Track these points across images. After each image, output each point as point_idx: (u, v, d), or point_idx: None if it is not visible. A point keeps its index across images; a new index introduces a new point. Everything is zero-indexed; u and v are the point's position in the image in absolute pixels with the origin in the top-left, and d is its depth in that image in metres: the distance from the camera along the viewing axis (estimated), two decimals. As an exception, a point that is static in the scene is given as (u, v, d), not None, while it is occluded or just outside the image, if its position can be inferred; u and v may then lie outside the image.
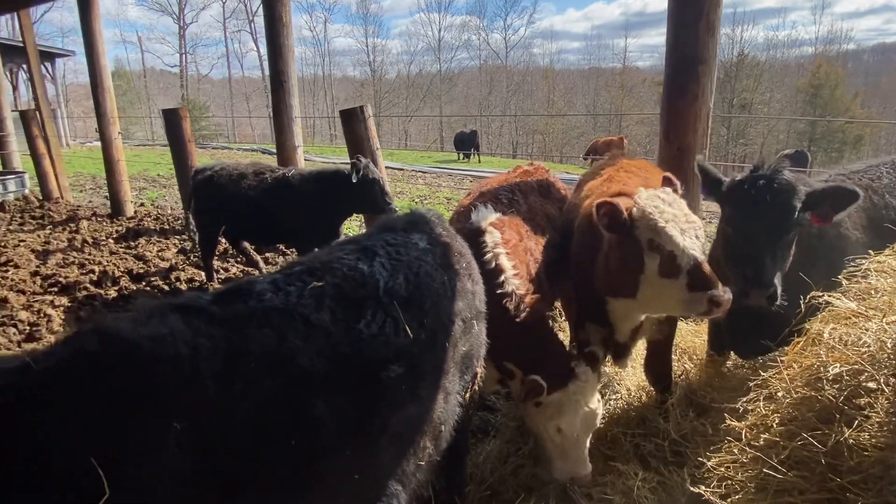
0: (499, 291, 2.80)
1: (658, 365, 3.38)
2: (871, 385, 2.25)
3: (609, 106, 48.13)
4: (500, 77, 57.72)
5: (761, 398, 2.56)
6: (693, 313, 2.67)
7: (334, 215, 5.98)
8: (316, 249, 5.95)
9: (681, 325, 4.60)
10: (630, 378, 3.65)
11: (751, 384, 2.86)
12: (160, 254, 8.17)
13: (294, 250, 7.49)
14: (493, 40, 62.79)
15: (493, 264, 2.89)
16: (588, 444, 2.86)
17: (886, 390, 2.21)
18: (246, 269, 7.54)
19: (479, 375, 2.50)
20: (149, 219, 10.55)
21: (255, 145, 32.37)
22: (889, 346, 2.30)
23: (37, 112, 12.59)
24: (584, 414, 2.77)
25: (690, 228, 2.57)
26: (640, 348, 3.57)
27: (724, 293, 2.48)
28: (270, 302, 1.75)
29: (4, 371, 1.39)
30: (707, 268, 2.52)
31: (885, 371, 2.26)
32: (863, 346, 2.37)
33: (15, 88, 29.96)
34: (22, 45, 20.70)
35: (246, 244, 7.28)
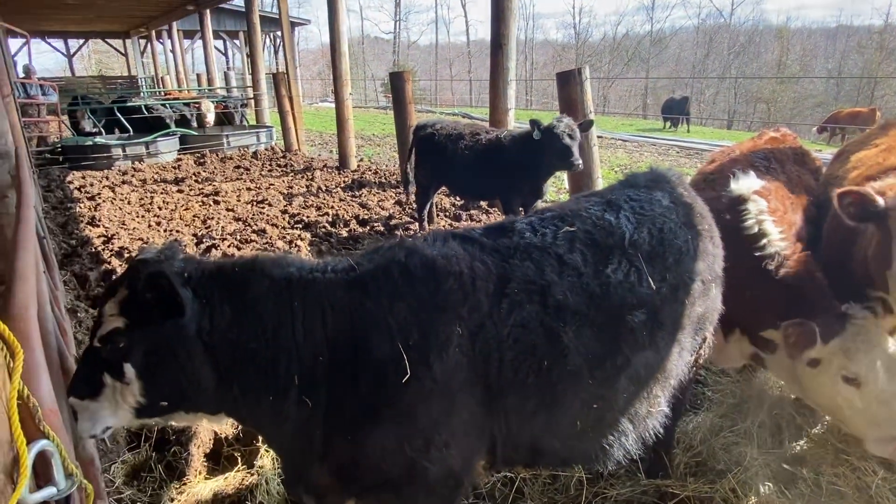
0: (759, 254, 2.64)
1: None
2: None
3: (860, 71, 40.40)
4: (720, 38, 51.70)
5: None
6: None
7: (535, 173, 6.14)
8: (521, 206, 6.27)
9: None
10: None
11: None
12: (380, 203, 9.16)
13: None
14: (716, -4, 56.42)
15: (756, 229, 2.71)
16: None
17: None
18: (452, 222, 8.12)
19: (707, 341, 2.48)
20: (369, 172, 11.80)
21: (455, 109, 33.79)
22: None
23: (285, 75, 14.74)
24: (884, 355, 2.29)
25: None
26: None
27: None
28: (530, 240, 1.98)
29: (336, 269, 1.81)
30: None
31: None
32: None
33: (259, 54, 35.16)
34: (274, 15, 24.05)
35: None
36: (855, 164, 3.02)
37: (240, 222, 8.24)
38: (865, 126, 14.76)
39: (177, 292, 1.63)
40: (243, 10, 16.61)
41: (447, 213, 8.50)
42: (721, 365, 3.08)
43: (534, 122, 5.75)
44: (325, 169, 12.40)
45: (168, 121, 14.84)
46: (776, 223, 2.75)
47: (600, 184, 6.07)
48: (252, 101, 17.65)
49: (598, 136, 20.72)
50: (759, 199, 2.83)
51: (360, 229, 7.87)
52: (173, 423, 2.16)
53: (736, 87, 44.43)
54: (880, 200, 2.35)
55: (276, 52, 35.16)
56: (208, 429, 3.26)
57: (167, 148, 13.71)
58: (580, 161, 5.57)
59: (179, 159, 13.60)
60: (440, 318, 1.74)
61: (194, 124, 15.64)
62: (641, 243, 2.08)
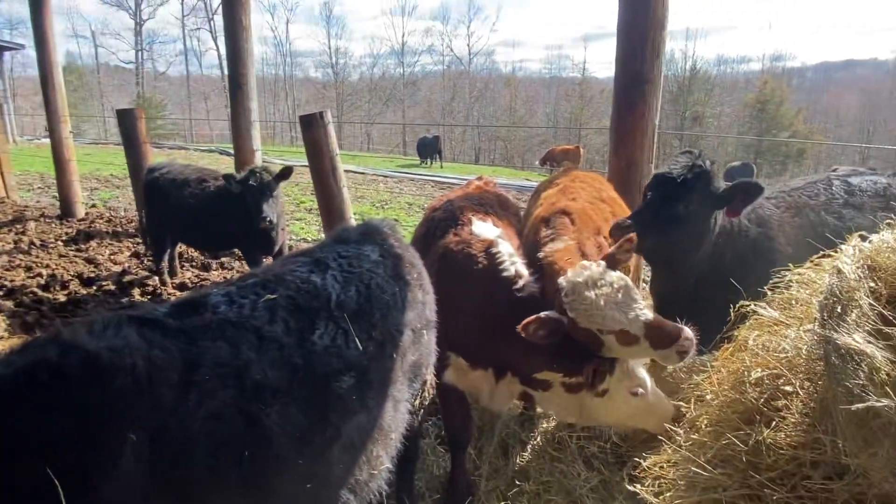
0: (520, 295, 2.77)
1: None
2: (788, 388, 2.45)
3: (568, 115, 49.32)
4: (462, 83, 58.23)
5: (692, 401, 2.75)
6: None
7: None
8: (261, 255, 5.88)
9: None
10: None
11: (684, 388, 3.06)
12: (112, 257, 7.97)
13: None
14: (456, 46, 63.45)
15: (513, 271, 2.84)
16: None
17: (801, 393, 2.41)
18: (200, 273, 7.44)
19: (428, 383, 2.59)
20: (101, 220, 10.25)
21: (212, 146, 31.68)
22: (804, 352, 2.50)
23: (-18, 108, 12.14)
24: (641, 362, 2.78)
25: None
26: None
27: None
28: (224, 314, 1.81)
29: None
30: None
31: (801, 375, 2.46)
32: (782, 353, 2.57)
33: (-46, 83, 28.63)
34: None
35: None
36: (542, 201, 3.53)
37: None
38: (573, 160, 17.79)
39: None
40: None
41: (194, 263, 7.77)
42: (494, 407, 3.17)
43: (227, 176, 5.56)
44: (42, 219, 10.42)
45: None
46: (526, 265, 2.92)
47: (353, 223, 6.15)
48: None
49: (361, 174, 21.25)
50: (503, 241, 2.99)
51: (84, 291, 6.71)
52: None
53: (479, 128, 50.33)
54: (563, 318, 2.60)
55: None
56: None
57: None
58: (270, 216, 5.51)
59: None
60: (106, 427, 1.46)
61: None
62: (348, 303, 2.07)
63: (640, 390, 2.77)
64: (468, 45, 62.25)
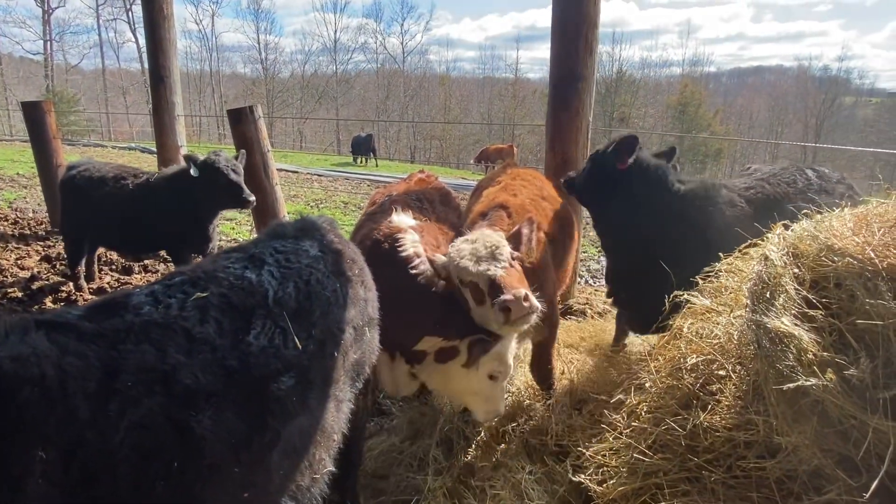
0: (413, 272, 2.88)
1: (541, 364, 3.57)
2: (721, 372, 2.55)
3: (502, 115, 50.21)
4: (397, 82, 57.85)
5: (632, 389, 2.81)
6: None
7: (199, 216, 5.52)
8: (192, 255, 5.62)
9: (567, 323, 4.91)
10: (519, 377, 3.83)
11: (626, 377, 3.13)
12: (19, 262, 7.33)
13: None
14: (389, 45, 62.94)
15: (412, 251, 2.97)
16: None
17: (733, 376, 2.51)
18: (121, 277, 6.98)
19: (373, 383, 2.51)
20: (5, 222, 9.42)
21: (133, 143, 29.96)
22: (735, 337, 2.62)
23: None
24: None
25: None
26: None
27: None
28: (149, 315, 1.66)
29: None
30: None
31: (732, 360, 2.56)
32: (714, 339, 2.67)
33: None
34: None
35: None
36: (483, 198, 3.53)
37: None
38: (506, 158, 18.06)
39: None
40: None
41: (114, 266, 7.27)
42: (397, 393, 3.25)
43: (188, 158, 5.15)
44: (-66, 222, 9.45)
45: None
46: (426, 251, 3.06)
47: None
48: None
49: (295, 172, 20.74)
50: (414, 232, 3.13)
51: (-14, 299, 6.13)
52: None
53: (414, 127, 50.29)
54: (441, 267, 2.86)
55: None
56: None
57: None
58: (253, 196, 5.17)
59: None
60: (9, 447, 1.30)
61: None
62: (287, 300, 1.96)
63: (500, 376, 2.92)
64: (402, 44, 61.96)
